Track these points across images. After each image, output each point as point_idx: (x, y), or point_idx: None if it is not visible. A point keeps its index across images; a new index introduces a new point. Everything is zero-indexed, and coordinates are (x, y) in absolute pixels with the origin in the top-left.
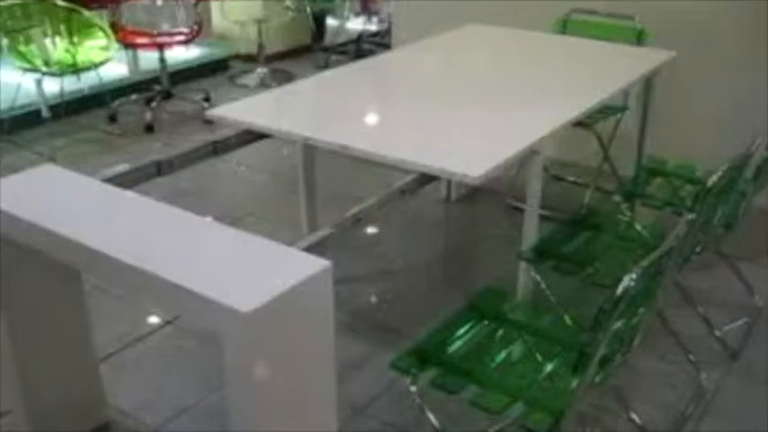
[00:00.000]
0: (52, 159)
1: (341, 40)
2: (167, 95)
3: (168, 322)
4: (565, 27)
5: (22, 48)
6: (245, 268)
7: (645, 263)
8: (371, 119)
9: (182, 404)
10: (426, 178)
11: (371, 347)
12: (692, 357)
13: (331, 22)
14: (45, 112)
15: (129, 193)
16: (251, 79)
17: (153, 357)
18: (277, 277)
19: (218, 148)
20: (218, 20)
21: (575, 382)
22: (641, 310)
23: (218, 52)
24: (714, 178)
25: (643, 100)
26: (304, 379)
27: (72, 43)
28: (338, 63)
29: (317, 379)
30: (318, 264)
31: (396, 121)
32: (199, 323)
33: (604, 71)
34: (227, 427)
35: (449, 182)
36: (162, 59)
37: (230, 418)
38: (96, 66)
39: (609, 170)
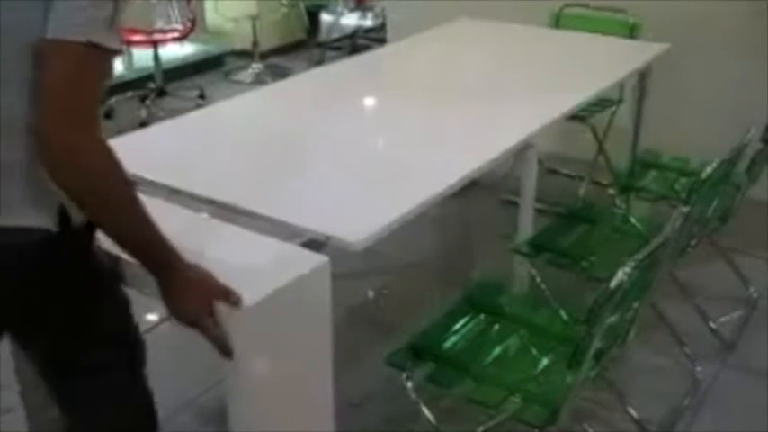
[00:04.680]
0: None
1: (335, 35)
2: (162, 93)
3: (164, 320)
4: (558, 21)
5: None
6: (244, 263)
7: (639, 256)
8: (363, 114)
9: (181, 401)
10: None
11: (368, 343)
12: (687, 350)
13: (325, 17)
14: None
15: None
16: (246, 75)
17: (151, 355)
18: (276, 272)
19: None
20: (212, 16)
21: (570, 376)
22: (636, 303)
23: (212, 49)
24: (708, 170)
25: (637, 93)
26: (302, 373)
27: None
28: (333, 59)
29: (315, 373)
30: (316, 259)
31: (389, 117)
32: None
33: (598, 64)
34: (226, 422)
35: None
36: (156, 57)
37: (229, 411)
38: None
39: (604, 163)
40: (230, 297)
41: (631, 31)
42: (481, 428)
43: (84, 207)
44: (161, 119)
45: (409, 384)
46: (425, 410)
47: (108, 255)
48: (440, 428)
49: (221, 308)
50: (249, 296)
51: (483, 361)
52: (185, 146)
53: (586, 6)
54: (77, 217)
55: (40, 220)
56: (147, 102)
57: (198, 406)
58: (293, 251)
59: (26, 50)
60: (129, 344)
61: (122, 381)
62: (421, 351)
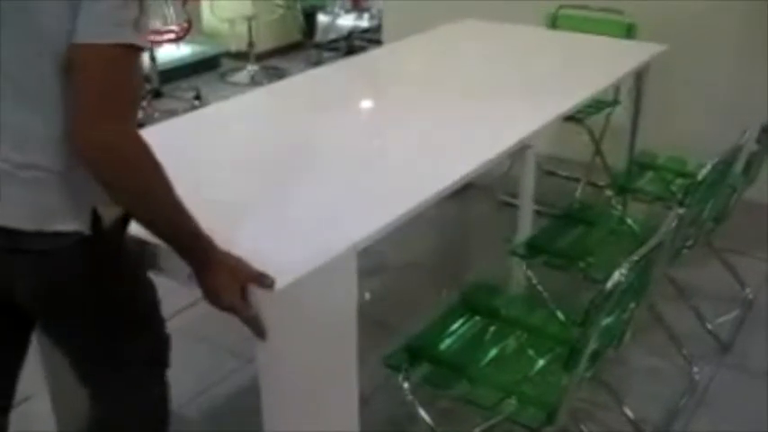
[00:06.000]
0: None
1: (332, 36)
2: (158, 94)
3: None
4: (555, 22)
5: None
6: (272, 249)
7: (635, 257)
8: (360, 114)
9: (181, 400)
10: None
11: (365, 343)
12: (684, 351)
13: (321, 18)
14: None
15: None
16: (242, 77)
17: None
18: (304, 257)
19: None
20: (208, 17)
21: (566, 378)
22: (632, 304)
23: (208, 50)
24: (704, 171)
25: (634, 94)
26: (329, 356)
27: None
28: (329, 60)
29: (342, 356)
30: (343, 245)
31: (386, 117)
32: None
33: (595, 65)
34: (225, 421)
35: None
36: (152, 58)
37: (261, 391)
38: None
39: (600, 165)
40: (264, 280)
41: (628, 32)
42: (477, 430)
43: (123, 201)
44: (157, 120)
45: (406, 386)
46: (422, 412)
47: (134, 241)
48: (436, 430)
49: (255, 291)
50: (282, 278)
51: (479, 362)
52: (181, 147)
53: (583, 7)
54: (109, 218)
55: (74, 224)
56: (144, 103)
57: (196, 406)
58: (320, 237)
59: (62, 60)
60: (156, 334)
61: (149, 371)
62: (417, 353)
